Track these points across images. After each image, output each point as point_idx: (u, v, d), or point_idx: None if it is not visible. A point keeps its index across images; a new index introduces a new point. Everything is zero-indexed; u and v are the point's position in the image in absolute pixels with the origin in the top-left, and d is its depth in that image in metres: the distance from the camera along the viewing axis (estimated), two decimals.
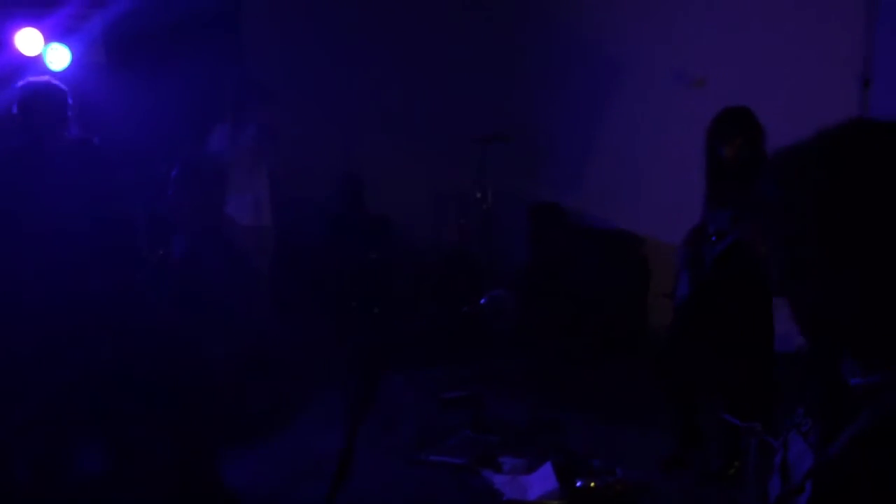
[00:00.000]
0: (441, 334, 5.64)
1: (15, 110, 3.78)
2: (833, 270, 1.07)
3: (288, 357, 4.09)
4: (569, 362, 5.47)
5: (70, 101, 3.90)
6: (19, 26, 5.08)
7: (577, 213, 6.20)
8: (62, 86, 3.91)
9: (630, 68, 6.02)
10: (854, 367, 1.12)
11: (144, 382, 3.08)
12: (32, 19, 5.16)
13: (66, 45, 5.20)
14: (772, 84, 5.02)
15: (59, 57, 5.13)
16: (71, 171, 3.81)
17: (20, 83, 3.86)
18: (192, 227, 3.39)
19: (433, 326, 4.26)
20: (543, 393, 5.04)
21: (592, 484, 3.61)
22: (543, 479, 3.69)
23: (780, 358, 4.11)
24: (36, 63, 5.03)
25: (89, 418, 3.34)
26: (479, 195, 5.93)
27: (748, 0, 5.49)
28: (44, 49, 5.09)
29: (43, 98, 3.80)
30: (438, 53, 6.48)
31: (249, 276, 3.46)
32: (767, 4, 5.41)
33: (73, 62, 5.26)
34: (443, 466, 4.03)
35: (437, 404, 4.90)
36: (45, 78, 4.03)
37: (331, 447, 1.93)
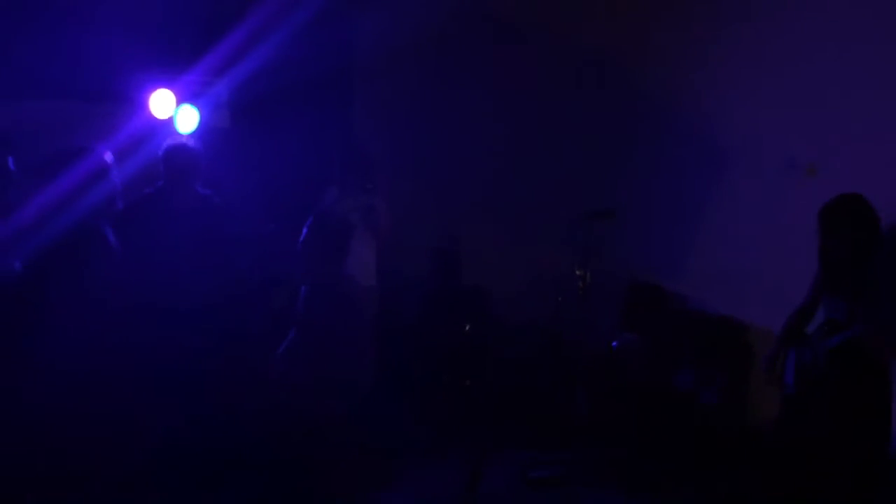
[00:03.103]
0: (525, 417, 5.54)
1: (160, 162, 4.35)
2: None
3: (386, 423, 4.10)
4: (663, 455, 5.23)
5: (203, 161, 4.44)
6: (153, 88, 5.35)
7: (678, 297, 6.07)
8: (199, 147, 4.45)
9: (738, 153, 5.95)
10: None
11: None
12: (164, 82, 5.42)
13: (196, 107, 5.43)
14: (887, 173, 4.86)
15: (188, 119, 5.33)
16: (193, 220, 4.27)
17: (167, 141, 4.45)
18: (313, 280, 3.48)
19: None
20: (638, 487, 4.85)
21: None
22: None
23: None
24: (166, 125, 5.27)
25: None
26: (578, 272, 5.87)
27: (862, 87, 5.36)
28: (175, 111, 5.32)
29: (183, 154, 4.34)
30: (546, 128, 6.56)
31: (363, 334, 3.50)
32: (883, 91, 5.26)
33: (199, 124, 5.47)
34: None
35: (525, 484, 4.80)
36: (187, 137, 4.62)
37: None
